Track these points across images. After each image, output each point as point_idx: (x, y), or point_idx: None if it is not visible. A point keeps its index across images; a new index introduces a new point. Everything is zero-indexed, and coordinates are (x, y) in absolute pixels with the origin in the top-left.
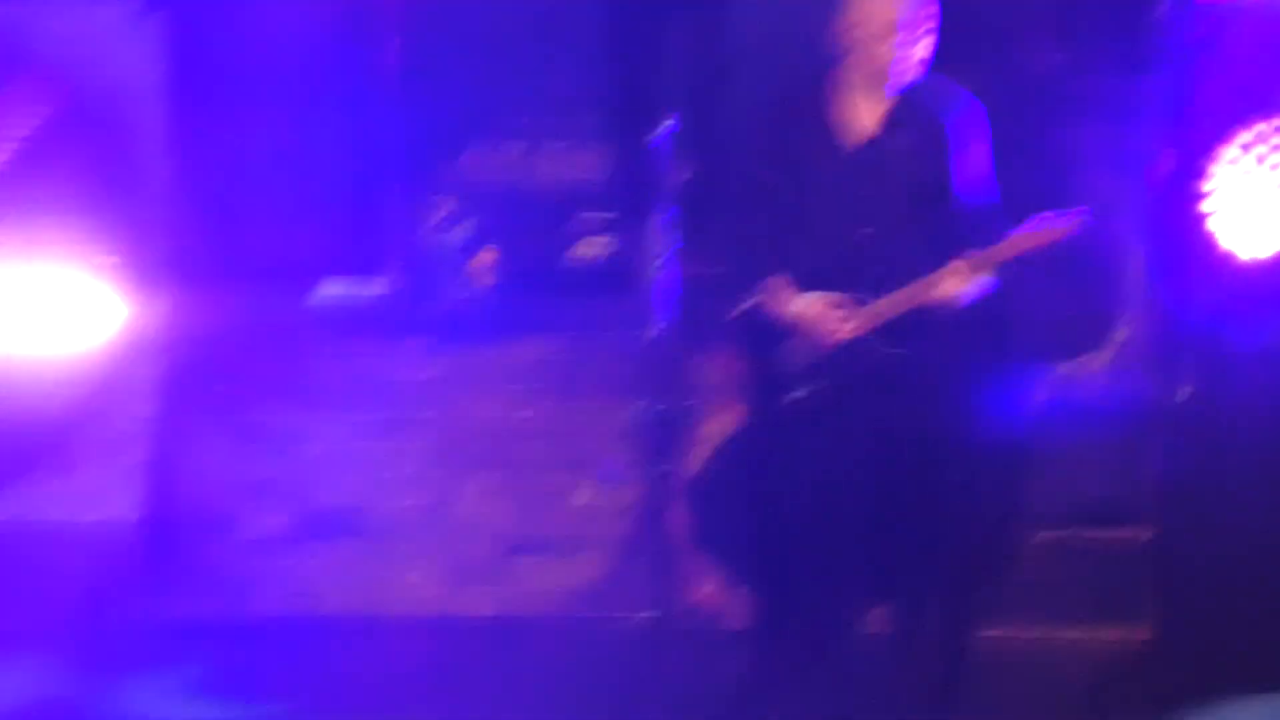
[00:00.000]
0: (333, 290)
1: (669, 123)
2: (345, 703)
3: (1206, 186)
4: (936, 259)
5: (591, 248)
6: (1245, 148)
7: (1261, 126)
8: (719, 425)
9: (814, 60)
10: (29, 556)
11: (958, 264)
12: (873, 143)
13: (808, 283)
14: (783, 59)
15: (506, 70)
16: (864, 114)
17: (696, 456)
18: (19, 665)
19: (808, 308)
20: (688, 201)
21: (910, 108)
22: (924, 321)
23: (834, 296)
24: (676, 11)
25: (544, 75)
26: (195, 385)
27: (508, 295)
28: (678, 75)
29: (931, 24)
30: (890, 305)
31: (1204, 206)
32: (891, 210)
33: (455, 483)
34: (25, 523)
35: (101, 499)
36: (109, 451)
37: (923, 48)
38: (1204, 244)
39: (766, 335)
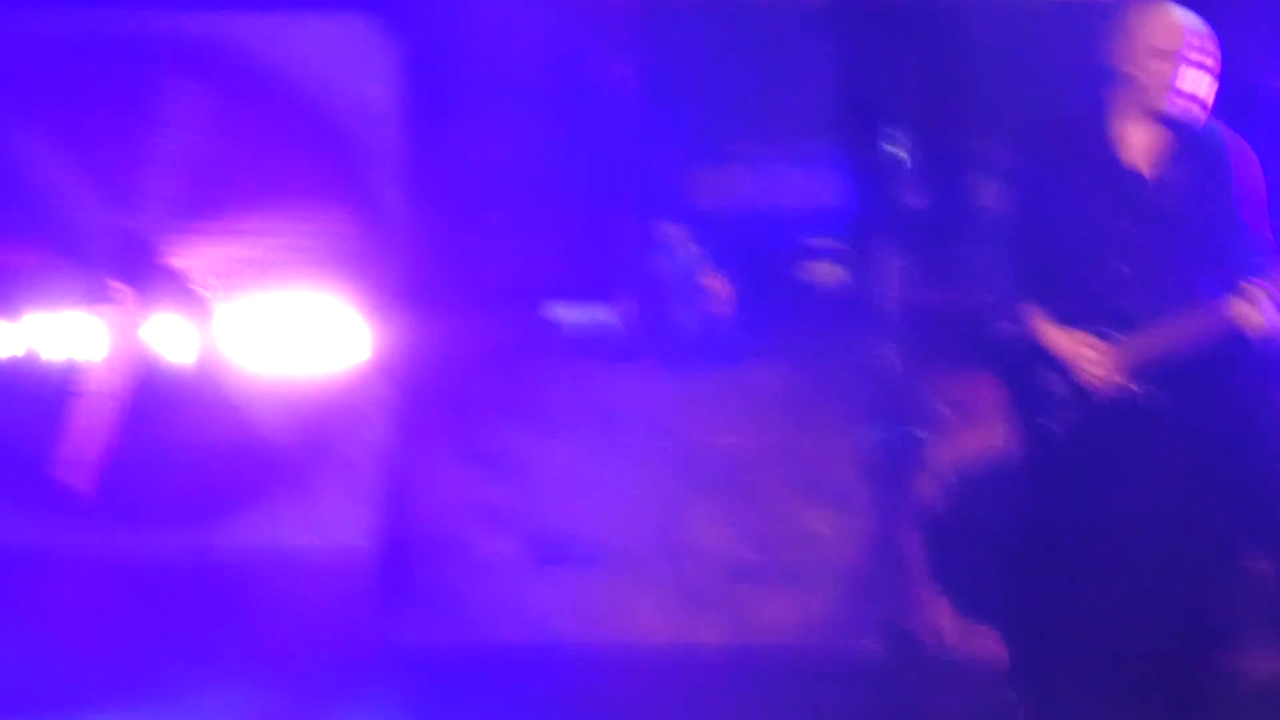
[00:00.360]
0: (566, 315)
1: (901, 148)
2: None
3: None
4: (1196, 300)
5: (823, 273)
6: None
7: None
8: (954, 452)
9: (1081, 85)
10: (267, 582)
11: (1231, 304)
12: (1143, 177)
13: (1060, 312)
14: (1037, 83)
15: (739, 95)
16: (1136, 146)
17: (931, 484)
18: (256, 688)
19: (1064, 343)
20: (921, 227)
21: (1186, 145)
22: (1183, 362)
23: (1090, 337)
24: (909, 35)
25: (776, 100)
26: (430, 410)
27: (739, 320)
28: (911, 100)
29: (1214, 61)
30: (1149, 344)
31: None
32: (1155, 247)
33: (685, 506)
34: (263, 549)
35: (337, 524)
36: (344, 476)
37: (1204, 84)
38: None
39: (1019, 363)
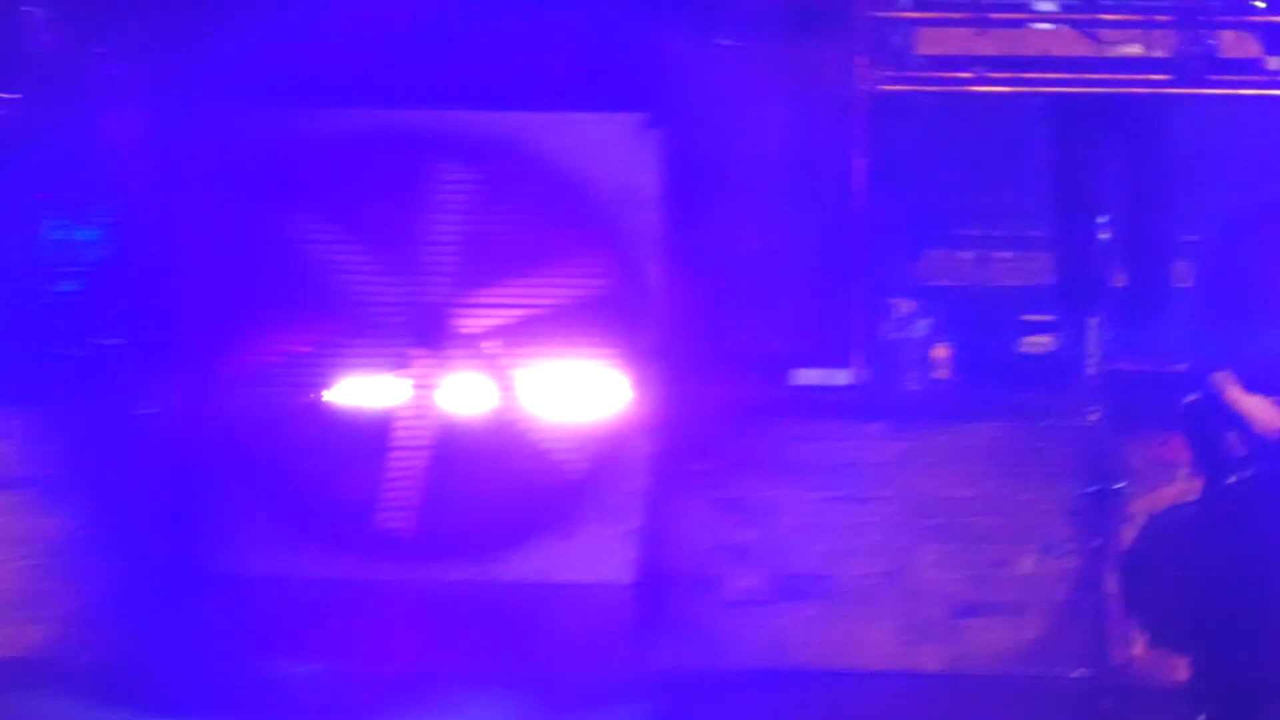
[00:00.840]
0: (806, 378)
1: (1105, 234)
2: None
3: None
4: None
5: (1035, 343)
6: None
7: None
8: (1151, 503)
9: (1268, 174)
10: (542, 611)
11: None
12: None
13: (1247, 378)
14: (1228, 172)
15: (964, 187)
16: None
17: (1130, 531)
18: (532, 705)
19: (1251, 404)
20: (1122, 303)
21: None
22: None
23: (1273, 402)
24: (1116, 132)
25: (993, 191)
26: (685, 460)
27: (960, 385)
28: (1113, 192)
29: None
30: None
31: None
32: None
33: (912, 548)
34: (533, 584)
35: (602, 560)
36: (607, 518)
37: None
38: None
39: (1212, 423)
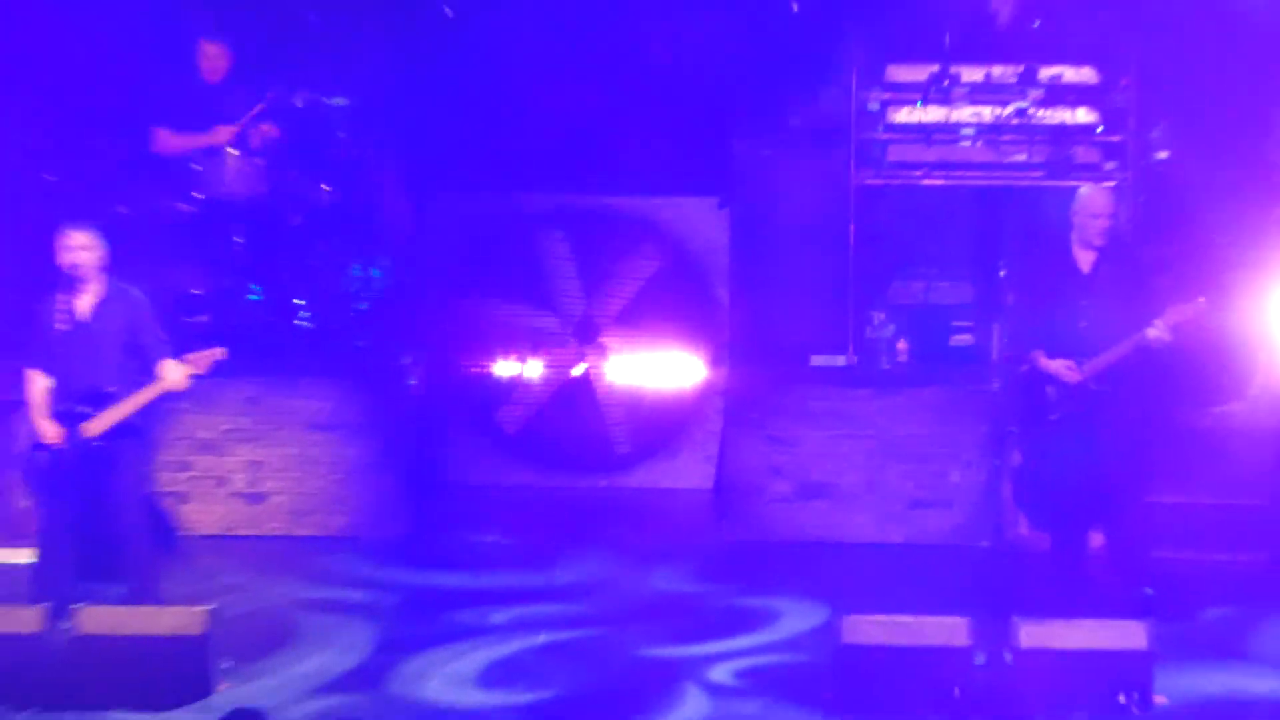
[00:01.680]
0: (819, 360)
1: (1003, 272)
2: (827, 598)
3: None
4: (1123, 335)
5: (960, 340)
6: None
7: None
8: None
9: (1062, 230)
10: (652, 507)
11: (1145, 331)
12: (1086, 274)
13: (1054, 351)
14: (1050, 230)
15: (914, 242)
16: (1083, 259)
17: (1018, 455)
18: (642, 563)
19: (1054, 366)
20: (1011, 314)
21: (1106, 257)
22: (1118, 370)
23: (1069, 361)
24: (1008, 210)
25: (934, 245)
26: (741, 411)
27: (914, 365)
28: (1008, 248)
29: (1115, 213)
30: (1099, 362)
31: None
32: (1100, 310)
33: (883, 466)
34: (647, 488)
35: (691, 474)
36: (694, 447)
37: (1110, 225)
38: None
39: (1035, 384)
